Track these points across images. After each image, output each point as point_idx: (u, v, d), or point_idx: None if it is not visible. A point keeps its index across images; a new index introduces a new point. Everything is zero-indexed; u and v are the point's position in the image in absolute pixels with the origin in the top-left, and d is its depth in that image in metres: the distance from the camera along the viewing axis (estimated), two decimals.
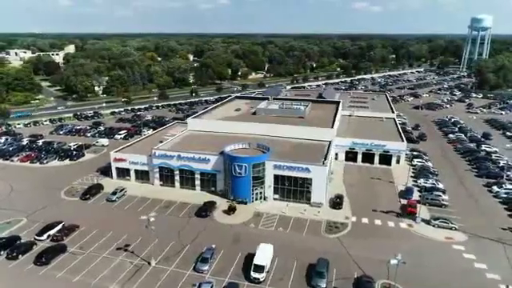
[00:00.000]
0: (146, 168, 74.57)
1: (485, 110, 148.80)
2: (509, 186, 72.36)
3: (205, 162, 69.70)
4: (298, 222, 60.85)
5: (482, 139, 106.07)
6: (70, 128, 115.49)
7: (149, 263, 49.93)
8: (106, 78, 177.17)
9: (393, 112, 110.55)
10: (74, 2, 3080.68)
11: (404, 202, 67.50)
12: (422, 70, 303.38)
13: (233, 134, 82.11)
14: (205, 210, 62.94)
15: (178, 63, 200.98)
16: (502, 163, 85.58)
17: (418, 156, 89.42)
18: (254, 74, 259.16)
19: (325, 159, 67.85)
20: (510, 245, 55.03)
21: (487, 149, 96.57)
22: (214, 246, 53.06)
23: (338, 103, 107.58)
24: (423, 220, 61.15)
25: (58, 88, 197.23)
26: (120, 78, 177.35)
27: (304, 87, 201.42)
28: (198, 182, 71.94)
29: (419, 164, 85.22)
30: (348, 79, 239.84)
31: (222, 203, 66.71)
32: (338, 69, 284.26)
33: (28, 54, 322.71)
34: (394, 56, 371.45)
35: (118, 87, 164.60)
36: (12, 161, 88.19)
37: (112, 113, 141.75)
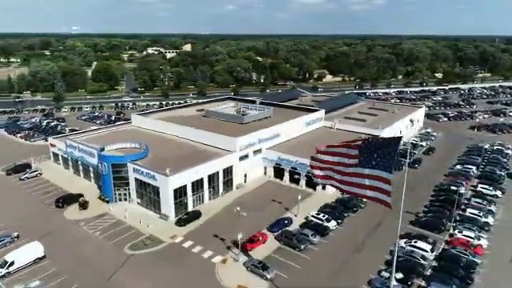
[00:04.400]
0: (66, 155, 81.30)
1: None
2: (420, 244, 51.94)
3: (93, 156, 71.84)
4: (123, 231, 57.56)
5: (502, 178, 77.35)
6: (90, 115, 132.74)
7: None
8: (169, 74, 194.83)
9: (382, 130, 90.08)
10: (238, 6, 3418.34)
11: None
12: None
13: (159, 134, 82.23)
14: (61, 201, 65.31)
15: (237, 63, 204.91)
16: (468, 213, 61.64)
17: None
18: (331, 76, 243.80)
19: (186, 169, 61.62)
20: None
21: (483, 190, 70.49)
22: (15, 234, 55.38)
23: (313, 111, 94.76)
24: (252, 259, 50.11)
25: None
26: (179, 74, 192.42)
27: (363, 94, 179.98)
28: (92, 175, 74.78)
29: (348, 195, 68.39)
30: (434, 88, 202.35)
31: (92, 197, 68.08)
32: (440, 75, 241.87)
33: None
34: None
35: (167, 82, 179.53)
36: (15, 136, 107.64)
37: (147, 105, 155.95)
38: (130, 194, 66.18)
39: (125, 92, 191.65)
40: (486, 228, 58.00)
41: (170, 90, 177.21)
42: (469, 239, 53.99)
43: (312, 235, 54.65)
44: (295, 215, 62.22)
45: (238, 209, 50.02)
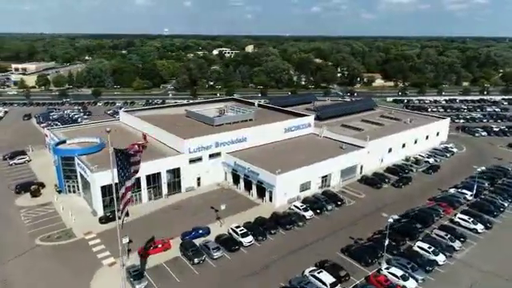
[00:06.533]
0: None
1: None
2: (322, 276, 44.51)
3: None
4: (50, 221, 59.59)
5: (501, 210, 63.37)
6: (115, 110, 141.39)
7: None
8: (208, 73, 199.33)
9: (369, 141, 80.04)
10: (324, 8, 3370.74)
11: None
12: None
13: (134, 130, 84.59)
14: (18, 187, 70.00)
15: (276, 64, 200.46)
16: (417, 246, 51.52)
17: (308, 201, 64.68)
18: (382, 81, 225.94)
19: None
20: None
21: (461, 222, 58.44)
22: None
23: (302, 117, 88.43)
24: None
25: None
26: (219, 74, 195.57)
27: (404, 101, 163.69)
28: None
29: (290, 211, 62.21)
30: (498, 97, 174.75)
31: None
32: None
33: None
34: None
35: (199, 81, 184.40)
36: (40, 125, 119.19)
37: (175, 103, 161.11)
38: (78, 186, 68.59)
39: (167, 90, 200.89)
40: (429, 268, 47.72)
41: (203, 90, 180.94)
42: (391, 278, 45.01)
43: (214, 249, 50.54)
44: (221, 225, 58.42)
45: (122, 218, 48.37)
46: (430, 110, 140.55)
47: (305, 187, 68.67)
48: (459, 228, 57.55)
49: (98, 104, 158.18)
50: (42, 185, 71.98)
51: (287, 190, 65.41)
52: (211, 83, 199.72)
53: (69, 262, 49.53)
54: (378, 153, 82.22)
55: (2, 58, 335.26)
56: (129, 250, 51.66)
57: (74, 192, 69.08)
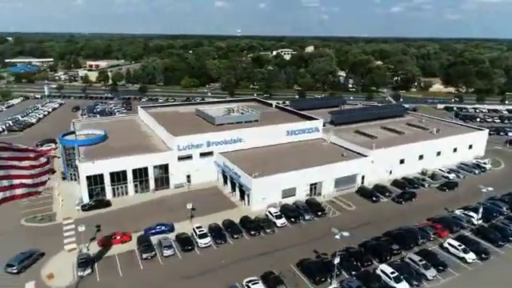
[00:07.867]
0: None
1: None
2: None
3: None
4: (42, 205, 64.22)
5: (508, 239, 54.09)
6: None
7: None
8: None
9: (372, 150, 73.55)
10: (405, 8, 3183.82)
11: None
12: None
13: (144, 125, 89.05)
14: None
15: (319, 66, 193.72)
16: (380, 270, 46.07)
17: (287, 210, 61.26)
18: (442, 86, 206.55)
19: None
20: None
21: (450, 248, 50.91)
22: None
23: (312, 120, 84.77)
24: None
25: None
26: (263, 74, 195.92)
27: (454, 109, 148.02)
28: None
29: (263, 217, 59.69)
30: None
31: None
32: None
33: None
34: None
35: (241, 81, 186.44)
36: (82, 116, 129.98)
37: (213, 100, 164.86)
38: (78, 174, 73.47)
39: (210, 89, 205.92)
40: None
41: (245, 89, 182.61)
42: None
43: (166, 247, 50.54)
44: (190, 223, 58.35)
45: (78, 206, 50.53)
46: (478, 119, 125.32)
47: (289, 193, 65.51)
48: (445, 255, 50.56)
49: (143, 100, 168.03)
50: (52, 170, 78.39)
51: (266, 194, 63.04)
52: (255, 83, 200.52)
53: (36, 243, 53.05)
54: (386, 163, 75.38)
55: (83, 56, 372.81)
56: (93, 239, 54.12)
57: (75, 180, 74.13)
